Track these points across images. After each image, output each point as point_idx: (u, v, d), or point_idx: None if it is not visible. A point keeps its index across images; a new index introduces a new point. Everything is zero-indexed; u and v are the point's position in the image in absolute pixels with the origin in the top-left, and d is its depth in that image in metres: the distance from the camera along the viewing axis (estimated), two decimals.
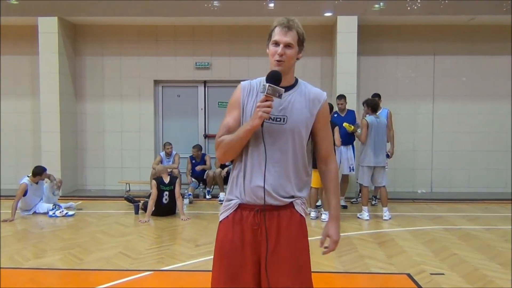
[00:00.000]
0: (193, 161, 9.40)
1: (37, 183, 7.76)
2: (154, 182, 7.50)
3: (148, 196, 7.69)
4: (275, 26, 2.28)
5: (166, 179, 7.52)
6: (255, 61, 9.79)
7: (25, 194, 7.52)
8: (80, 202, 8.73)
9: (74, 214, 7.72)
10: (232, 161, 2.40)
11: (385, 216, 7.36)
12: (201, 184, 9.34)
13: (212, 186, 9.30)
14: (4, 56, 10.09)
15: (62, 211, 7.65)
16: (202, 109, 10.38)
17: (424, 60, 9.92)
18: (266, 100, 2.15)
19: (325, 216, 7.18)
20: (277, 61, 2.25)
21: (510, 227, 6.84)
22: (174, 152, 9.43)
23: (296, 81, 2.37)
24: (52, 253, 5.58)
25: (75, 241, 6.09)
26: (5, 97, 10.18)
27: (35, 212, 7.75)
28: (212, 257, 2.39)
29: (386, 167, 7.57)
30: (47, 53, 9.30)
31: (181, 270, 4.99)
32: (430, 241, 6.12)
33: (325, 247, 2.48)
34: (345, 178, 8.44)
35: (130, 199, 8.27)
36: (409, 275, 4.74)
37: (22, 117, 10.23)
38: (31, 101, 10.07)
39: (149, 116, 10.20)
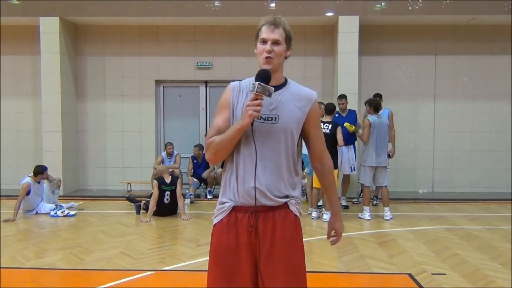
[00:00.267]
0: (195, 161, 9.40)
1: (38, 182, 7.77)
2: (155, 182, 7.50)
3: (150, 196, 7.70)
4: (262, 25, 2.29)
5: (168, 179, 7.52)
6: (256, 61, 9.72)
7: (28, 193, 7.53)
8: (81, 202, 8.74)
9: (76, 214, 7.72)
10: (223, 164, 2.38)
11: (386, 216, 7.35)
12: (202, 184, 9.35)
13: (214, 186, 9.31)
14: (6, 56, 10.11)
15: (64, 211, 7.65)
16: (203, 109, 10.39)
17: (425, 60, 9.92)
18: (256, 99, 2.14)
19: (326, 216, 7.18)
20: (266, 58, 2.25)
21: (511, 227, 6.84)
22: (175, 152, 9.44)
23: (286, 80, 2.36)
24: (53, 253, 5.58)
25: (76, 241, 6.10)
26: (7, 97, 10.20)
27: (37, 213, 7.76)
28: None
29: (387, 167, 7.57)
30: (49, 53, 9.32)
31: (182, 270, 4.99)
32: (431, 241, 6.11)
33: (331, 241, 2.55)
34: (346, 178, 8.44)
35: (132, 199, 8.27)
36: (410, 275, 4.73)
37: (23, 117, 10.24)
38: (33, 101, 10.09)
39: (151, 116, 10.20)
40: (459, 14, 9.06)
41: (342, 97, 8.34)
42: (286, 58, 2.32)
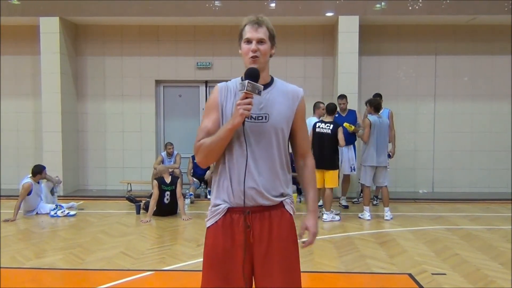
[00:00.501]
0: (195, 161, 9.36)
1: (38, 182, 7.78)
2: (155, 182, 7.50)
3: (150, 196, 7.70)
4: (245, 25, 2.28)
5: (168, 179, 7.52)
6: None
7: (29, 193, 7.54)
8: (81, 202, 8.74)
9: (76, 214, 7.72)
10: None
11: (386, 216, 7.35)
12: (202, 184, 9.34)
13: None
14: (6, 56, 10.11)
15: (64, 211, 7.65)
16: (203, 109, 10.32)
17: (425, 60, 9.92)
18: (246, 98, 2.13)
19: (326, 216, 7.20)
20: (252, 58, 2.24)
21: (511, 227, 6.83)
22: (175, 152, 9.44)
23: (272, 79, 2.36)
24: (53, 253, 5.58)
25: (77, 241, 6.10)
26: (7, 97, 10.20)
27: (37, 213, 7.75)
28: None
29: (388, 167, 7.57)
30: (49, 53, 9.32)
31: (182, 270, 5.00)
32: (431, 241, 6.11)
33: (303, 241, 2.42)
34: (346, 178, 8.44)
35: (132, 199, 8.27)
36: (410, 275, 4.74)
37: (24, 117, 10.24)
38: (33, 101, 10.09)
39: (151, 116, 10.20)
40: (459, 14, 9.06)
41: (342, 97, 8.34)
42: (271, 56, 2.32)
